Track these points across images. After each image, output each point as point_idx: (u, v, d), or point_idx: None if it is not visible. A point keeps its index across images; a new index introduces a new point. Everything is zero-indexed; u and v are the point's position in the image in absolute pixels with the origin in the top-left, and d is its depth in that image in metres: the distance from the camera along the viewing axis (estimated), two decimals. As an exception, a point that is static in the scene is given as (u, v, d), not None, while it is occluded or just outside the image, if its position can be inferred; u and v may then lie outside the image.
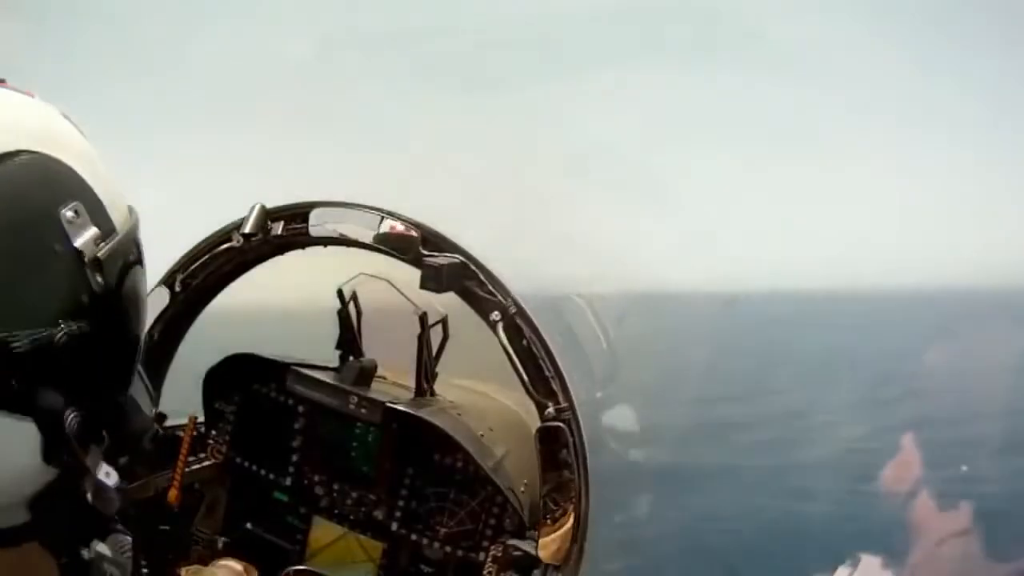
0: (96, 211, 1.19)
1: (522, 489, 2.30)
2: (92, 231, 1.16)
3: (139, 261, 1.30)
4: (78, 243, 1.14)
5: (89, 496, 1.28)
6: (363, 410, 2.32)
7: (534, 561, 2.14)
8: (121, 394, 1.33)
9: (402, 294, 2.35)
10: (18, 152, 1.11)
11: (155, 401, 1.51)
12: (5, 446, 1.12)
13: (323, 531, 2.42)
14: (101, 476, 1.28)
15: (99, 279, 1.16)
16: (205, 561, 2.34)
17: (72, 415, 1.16)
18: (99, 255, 1.16)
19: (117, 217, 1.24)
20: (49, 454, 1.16)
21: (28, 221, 1.11)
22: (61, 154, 1.17)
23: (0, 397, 1.09)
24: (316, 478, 2.41)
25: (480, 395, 2.63)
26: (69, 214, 1.14)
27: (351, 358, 2.46)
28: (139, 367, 1.39)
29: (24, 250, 1.10)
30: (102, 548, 1.55)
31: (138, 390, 1.37)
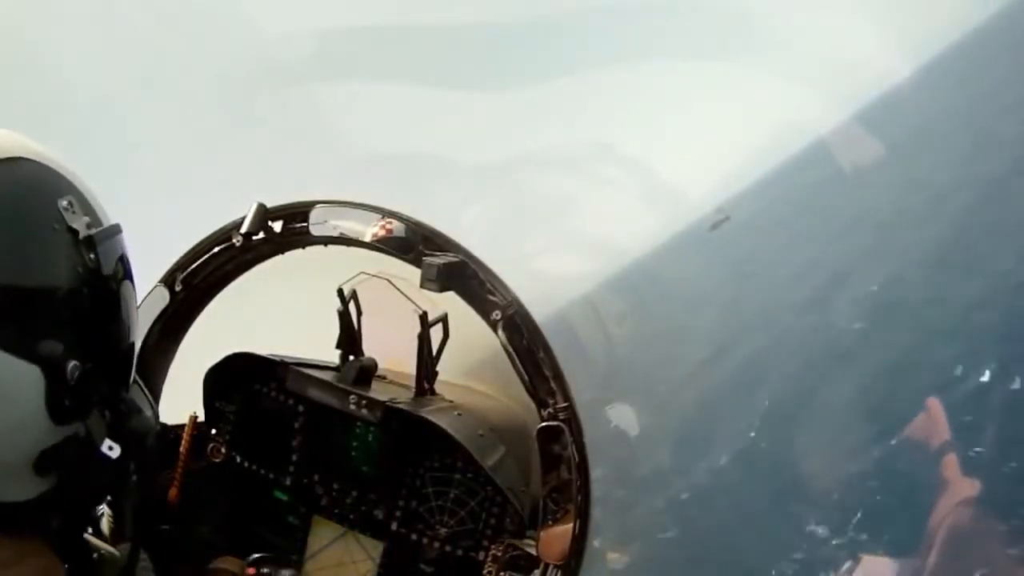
0: (86, 208, 1.42)
1: (523, 489, 2.30)
2: (84, 218, 1.39)
3: (127, 273, 1.49)
4: (73, 224, 1.36)
5: (103, 450, 1.42)
6: (363, 410, 2.32)
7: (534, 561, 2.14)
8: (121, 388, 1.48)
9: (402, 293, 2.35)
10: (27, 158, 1.36)
11: (155, 411, 1.62)
12: (12, 388, 1.27)
13: (323, 530, 2.43)
14: (104, 449, 1.43)
15: (91, 256, 1.37)
16: (205, 560, 2.34)
17: (74, 366, 1.32)
18: (91, 234, 1.38)
19: (104, 218, 1.46)
20: (53, 403, 1.31)
21: (34, 204, 1.34)
22: (56, 167, 1.42)
23: (6, 339, 1.25)
24: (316, 477, 2.41)
25: (480, 394, 2.63)
26: (64, 203, 1.37)
27: (351, 357, 2.46)
28: (137, 377, 1.55)
29: (31, 224, 1.32)
30: (113, 551, 1.59)
31: (138, 396, 1.51)
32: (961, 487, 2.65)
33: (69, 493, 1.42)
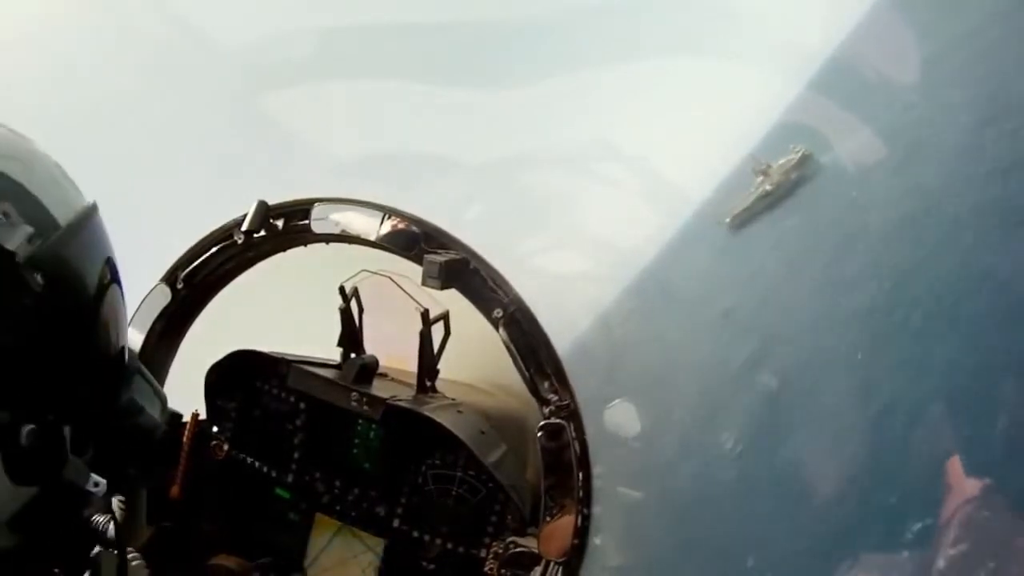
0: (31, 212, 1.11)
1: (524, 486, 2.31)
2: (25, 230, 1.08)
3: (100, 256, 1.20)
4: (9, 245, 1.06)
5: (88, 488, 1.22)
6: (365, 407, 2.32)
7: (535, 558, 2.15)
8: (110, 400, 1.27)
9: (404, 291, 2.35)
10: None
11: (162, 398, 1.45)
12: None
13: (325, 528, 2.43)
14: (89, 487, 1.22)
15: (38, 279, 1.07)
16: (206, 558, 2.34)
17: (28, 429, 1.09)
18: (35, 252, 1.08)
19: (62, 213, 1.15)
20: (13, 471, 1.10)
21: None
22: None
23: None
24: (317, 475, 2.41)
25: (482, 392, 2.64)
26: None
27: (352, 355, 2.46)
28: (141, 368, 1.35)
29: None
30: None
31: (141, 392, 1.32)
32: (965, 487, 2.67)
33: (56, 538, 1.25)
